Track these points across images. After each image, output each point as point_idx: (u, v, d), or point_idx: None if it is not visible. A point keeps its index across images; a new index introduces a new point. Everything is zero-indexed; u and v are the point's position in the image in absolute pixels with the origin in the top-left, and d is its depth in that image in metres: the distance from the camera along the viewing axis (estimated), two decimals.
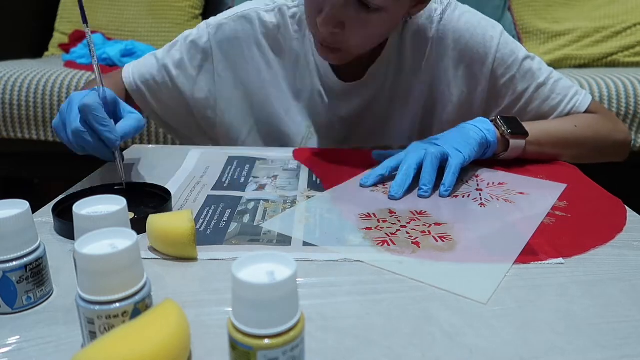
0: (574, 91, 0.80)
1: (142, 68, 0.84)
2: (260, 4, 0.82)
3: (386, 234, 0.53)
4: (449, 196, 0.62)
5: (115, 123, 0.59)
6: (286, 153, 0.80)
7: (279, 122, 0.85)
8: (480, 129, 0.70)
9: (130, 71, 0.84)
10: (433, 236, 0.52)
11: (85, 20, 0.58)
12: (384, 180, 0.67)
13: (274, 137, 0.86)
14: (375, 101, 0.84)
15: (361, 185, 0.66)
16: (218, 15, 0.84)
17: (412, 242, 0.51)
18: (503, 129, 0.72)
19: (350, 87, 0.82)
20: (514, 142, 0.72)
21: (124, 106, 0.63)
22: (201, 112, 0.86)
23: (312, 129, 0.85)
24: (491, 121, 0.73)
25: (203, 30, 0.83)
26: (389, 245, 0.51)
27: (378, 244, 0.51)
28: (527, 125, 0.73)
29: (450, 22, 0.79)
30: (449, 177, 0.63)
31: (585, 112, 0.81)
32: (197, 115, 0.87)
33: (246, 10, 0.81)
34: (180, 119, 0.88)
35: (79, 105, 0.56)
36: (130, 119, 0.61)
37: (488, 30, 0.79)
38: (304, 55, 0.82)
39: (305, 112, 0.84)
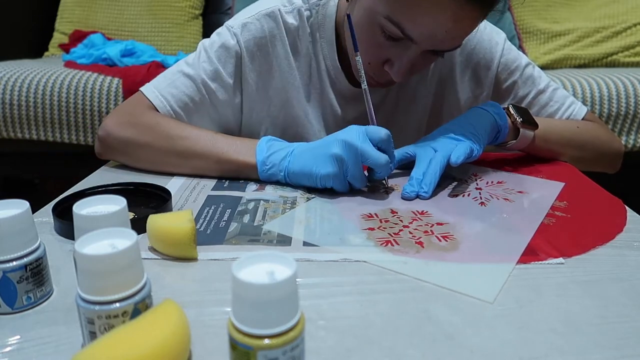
0: (570, 100, 0.83)
1: (174, 90, 0.75)
2: (278, 3, 0.79)
3: (389, 234, 0.53)
4: (457, 164, 0.63)
5: None
6: None
7: (297, 125, 0.83)
8: (491, 112, 0.71)
9: (161, 97, 0.75)
10: (436, 236, 0.52)
11: (356, 49, 0.68)
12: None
13: (289, 139, 0.84)
14: (382, 105, 0.84)
15: (373, 178, 0.66)
16: (236, 17, 0.79)
17: (416, 242, 0.51)
18: (515, 117, 0.72)
19: (360, 91, 0.82)
20: (524, 132, 0.72)
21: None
22: (229, 121, 0.82)
23: (323, 133, 0.84)
24: (503, 109, 0.73)
25: (226, 33, 0.77)
26: (392, 245, 0.51)
27: (381, 244, 0.51)
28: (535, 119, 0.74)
29: None
30: (456, 153, 0.63)
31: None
32: (223, 126, 0.82)
33: (270, 9, 0.78)
34: None
35: (377, 141, 0.62)
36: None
37: (493, 36, 0.81)
38: (316, 59, 0.81)
39: (316, 115, 0.84)
